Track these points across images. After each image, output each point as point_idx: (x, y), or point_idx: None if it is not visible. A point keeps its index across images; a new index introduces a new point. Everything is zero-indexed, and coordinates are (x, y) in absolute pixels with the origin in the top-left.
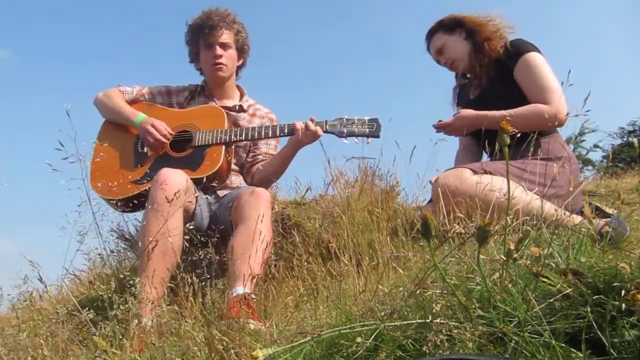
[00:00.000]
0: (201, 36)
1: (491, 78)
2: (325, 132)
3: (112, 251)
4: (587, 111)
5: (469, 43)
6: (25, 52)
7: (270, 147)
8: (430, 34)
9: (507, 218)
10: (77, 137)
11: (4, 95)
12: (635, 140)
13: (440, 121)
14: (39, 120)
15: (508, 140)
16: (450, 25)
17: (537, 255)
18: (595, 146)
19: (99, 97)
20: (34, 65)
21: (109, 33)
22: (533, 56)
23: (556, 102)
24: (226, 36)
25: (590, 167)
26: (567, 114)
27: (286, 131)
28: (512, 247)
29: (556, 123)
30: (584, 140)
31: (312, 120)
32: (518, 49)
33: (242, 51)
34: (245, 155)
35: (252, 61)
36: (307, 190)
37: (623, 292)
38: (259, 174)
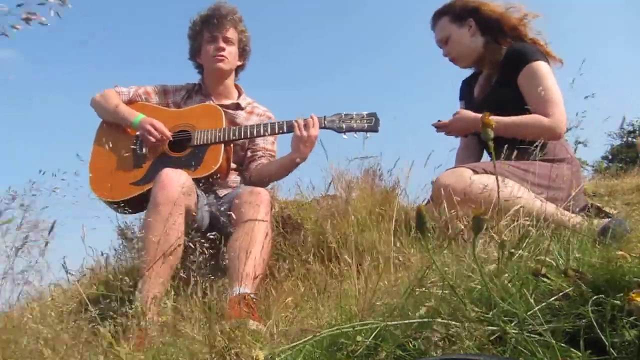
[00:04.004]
0: (206, 28)
1: (498, 80)
2: (324, 127)
3: (115, 250)
4: (584, 111)
5: (479, 38)
6: (31, 52)
7: (267, 143)
8: (438, 15)
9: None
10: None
11: (10, 95)
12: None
13: (439, 121)
14: (44, 120)
15: (492, 135)
16: (460, 14)
17: (544, 252)
18: (577, 142)
19: (96, 98)
20: (40, 65)
21: (114, 33)
22: (539, 65)
23: (557, 115)
24: (231, 32)
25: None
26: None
27: (285, 128)
28: (506, 239)
29: (554, 136)
30: (565, 140)
31: (311, 118)
32: (525, 56)
33: (243, 52)
34: (243, 153)
35: (251, 60)
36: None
37: (622, 291)
38: (258, 173)
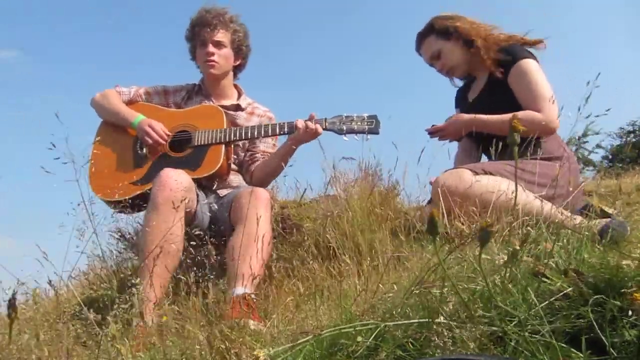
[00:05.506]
0: (197, 33)
1: (490, 81)
2: (325, 129)
3: (111, 251)
4: (596, 116)
5: (464, 49)
6: (36, 52)
7: (268, 146)
8: (422, 37)
9: (512, 217)
10: (70, 139)
11: (14, 95)
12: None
13: (433, 125)
14: (47, 119)
15: (518, 140)
16: (444, 31)
17: (543, 252)
18: (598, 146)
19: (96, 98)
20: (44, 65)
21: (118, 33)
22: (527, 63)
23: (548, 110)
24: (221, 35)
25: (591, 168)
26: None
27: (286, 129)
28: (518, 247)
29: (548, 131)
30: (586, 142)
31: (312, 118)
32: (513, 55)
33: (239, 51)
34: (243, 154)
35: (251, 60)
36: (304, 191)
37: (623, 291)
38: (258, 172)
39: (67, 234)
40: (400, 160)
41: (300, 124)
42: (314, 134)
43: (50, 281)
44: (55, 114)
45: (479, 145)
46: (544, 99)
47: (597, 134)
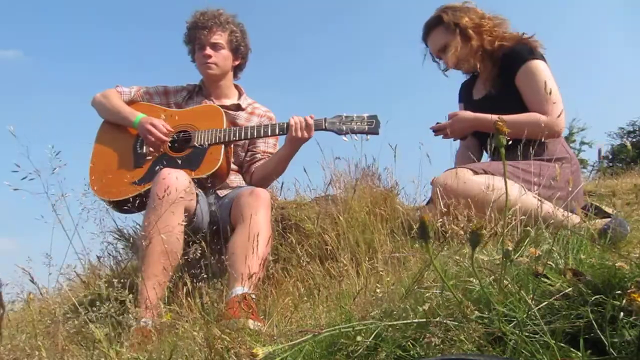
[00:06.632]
0: (193, 36)
1: (496, 80)
2: (325, 129)
3: (109, 253)
4: (587, 145)
5: (470, 43)
6: (36, 52)
7: (268, 146)
8: (430, 28)
9: (506, 217)
10: (32, 154)
11: (14, 95)
12: (627, 142)
13: (437, 123)
14: (46, 119)
15: (504, 141)
16: (450, 24)
17: (537, 255)
18: (582, 143)
19: (97, 97)
20: (44, 65)
21: (118, 33)
22: (536, 64)
23: (554, 113)
24: (217, 36)
25: (582, 166)
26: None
27: (285, 130)
28: (511, 248)
29: (552, 134)
30: (574, 141)
31: (311, 118)
32: (522, 55)
33: (237, 51)
34: (244, 154)
35: (251, 62)
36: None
37: (622, 291)
38: (258, 172)
39: (69, 232)
40: (400, 160)
41: (292, 121)
42: (308, 131)
43: (32, 279)
44: (10, 131)
45: (482, 144)
46: (551, 101)
47: (582, 129)
